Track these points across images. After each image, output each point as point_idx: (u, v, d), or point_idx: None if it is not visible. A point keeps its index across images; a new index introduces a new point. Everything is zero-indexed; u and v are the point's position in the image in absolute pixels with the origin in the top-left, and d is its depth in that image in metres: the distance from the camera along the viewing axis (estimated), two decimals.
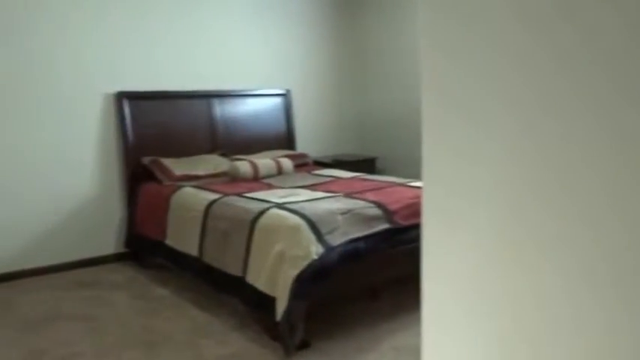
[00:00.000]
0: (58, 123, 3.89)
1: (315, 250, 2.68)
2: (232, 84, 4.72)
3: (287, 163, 4.32)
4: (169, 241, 3.61)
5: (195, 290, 3.49)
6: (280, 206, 3.01)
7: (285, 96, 5.06)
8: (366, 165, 5.18)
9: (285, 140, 5.06)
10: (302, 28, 5.17)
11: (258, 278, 2.83)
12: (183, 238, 3.48)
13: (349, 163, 5.01)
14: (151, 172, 4.04)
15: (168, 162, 4.06)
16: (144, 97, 4.22)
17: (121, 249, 4.19)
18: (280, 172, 4.24)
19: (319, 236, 2.76)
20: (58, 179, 3.91)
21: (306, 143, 5.22)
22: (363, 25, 5.48)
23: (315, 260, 2.65)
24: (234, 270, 3.00)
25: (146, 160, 4.10)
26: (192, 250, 3.35)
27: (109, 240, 4.17)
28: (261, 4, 4.86)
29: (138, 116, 4.17)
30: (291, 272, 2.64)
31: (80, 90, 3.96)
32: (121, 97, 4.11)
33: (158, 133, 4.26)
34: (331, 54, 5.42)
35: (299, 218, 2.82)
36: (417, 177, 4.30)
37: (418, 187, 3.49)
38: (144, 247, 4.01)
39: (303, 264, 2.63)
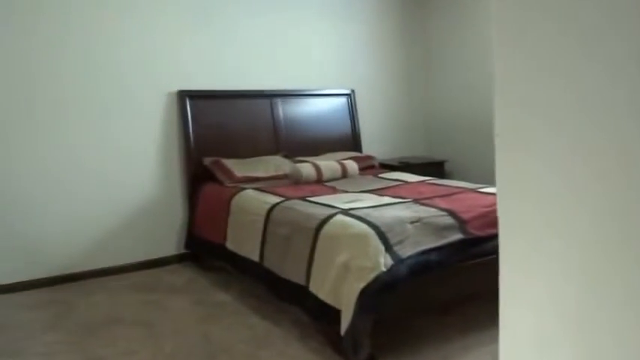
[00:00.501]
0: (121, 121, 3.88)
1: (384, 262, 2.49)
2: (295, 83, 4.59)
3: (352, 166, 4.14)
4: (229, 245, 3.52)
5: (256, 296, 3.37)
6: (346, 212, 2.84)
7: (350, 96, 4.88)
8: (434, 168, 4.94)
9: (350, 142, 4.89)
10: (368, 25, 4.99)
11: (321, 288, 2.67)
12: (243, 242, 3.37)
13: (416, 166, 4.80)
14: (211, 173, 3.97)
15: (229, 163, 3.97)
16: (205, 96, 4.15)
17: (182, 250, 4.14)
18: (345, 175, 4.07)
19: (388, 246, 2.56)
20: (120, 179, 3.90)
21: (372, 145, 5.04)
22: (433, 22, 5.24)
23: (384, 273, 2.46)
24: (297, 278, 2.86)
25: (207, 160, 4.03)
26: (253, 255, 3.24)
27: (170, 241, 4.13)
28: (325, 2, 4.71)
29: (199, 116, 4.11)
30: (357, 285, 2.46)
31: (143, 88, 3.93)
32: (183, 95, 4.06)
33: (219, 134, 4.18)
34: (398, 52, 5.21)
35: (366, 226, 2.64)
36: (489, 182, 4.06)
37: (492, 194, 3.24)
38: (204, 250, 3.94)
39: (370, 276, 2.45)
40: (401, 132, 5.32)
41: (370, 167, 4.54)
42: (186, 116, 4.05)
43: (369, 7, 4.97)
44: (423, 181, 3.87)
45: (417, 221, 2.78)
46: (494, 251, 2.95)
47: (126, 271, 3.93)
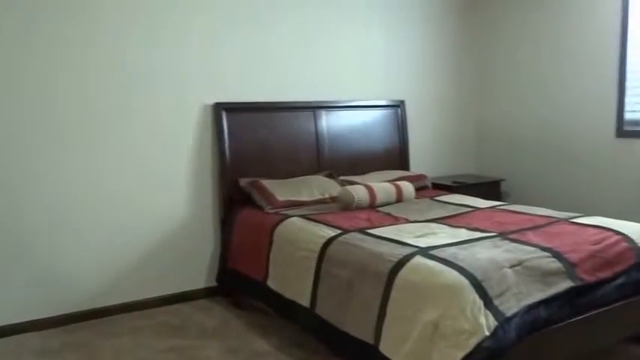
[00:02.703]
0: (148, 138, 3.35)
1: (485, 323, 1.93)
2: (339, 94, 4.05)
3: (408, 188, 3.58)
4: (272, 283, 2.96)
5: (305, 347, 2.82)
6: (426, 253, 2.27)
7: (399, 107, 4.33)
8: (489, 188, 4.39)
9: (397, 158, 4.33)
10: (419, 33, 4.44)
11: (398, 351, 2.11)
12: (290, 282, 2.81)
13: (470, 187, 4.23)
14: (248, 195, 3.43)
15: (269, 184, 3.43)
16: (243, 108, 3.60)
17: (213, 283, 3.60)
18: (400, 198, 3.50)
19: (487, 301, 2.00)
20: (145, 202, 3.37)
21: (420, 162, 4.47)
22: (488, 31, 4.67)
23: (487, 338, 1.89)
24: (361, 333, 2.30)
25: (244, 181, 3.49)
26: (302, 298, 2.68)
27: (199, 273, 3.59)
28: (372, 6, 4.17)
29: (236, 131, 3.57)
30: (453, 353, 1.89)
31: (174, 100, 3.41)
32: (220, 108, 3.52)
33: (257, 150, 3.65)
34: (451, 62, 4.65)
35: (457, 274, 2.07)
36: (553, 205, 3.48)
37: (596, 227, 2.65)
38: (239, 285, 3.38)
39: (470, 343, 1.88)
40: (450, 148, 4.76)
41: (423, 188, 3.97)
42: (222, 131, 3.51)
43: (419, 15, 4.41)
44: (494, 207, 3.29)
45: (517, 264, 2.21)
46: (608, 301, 2.30)
47: (152, 306, 3.41)
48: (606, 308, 2.30)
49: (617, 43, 3.69)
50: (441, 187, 4.20)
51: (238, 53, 3.60)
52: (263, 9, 3.68)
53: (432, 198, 3.67)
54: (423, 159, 4.54)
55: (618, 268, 2.39)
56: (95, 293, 3.26)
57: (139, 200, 3.34)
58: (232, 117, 3.55)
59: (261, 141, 3.65)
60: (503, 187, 4.53)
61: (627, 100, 3.69)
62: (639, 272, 2.44)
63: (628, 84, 3.67)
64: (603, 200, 3.83)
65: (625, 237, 2.53)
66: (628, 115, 3.71)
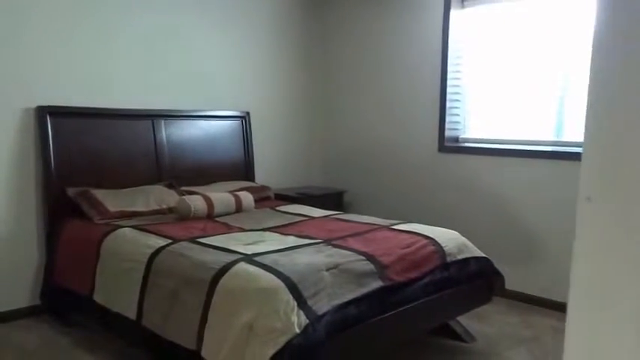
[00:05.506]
0: None
1: (297, 322, 2.04)
2: (182, 103, 4.02)
3: (247, 198, 3.64)
4: (98, 298, 2.85)
5: None
6: (249, 260, 2.34)
7: (244, 119, 4.40)
8: (332, 199, 4.59)
9: (242, 170, 4.39)
10: (264, 44, 4.55)
11: (217, 354, 2.15)
12: (116, 295, 2.73)
13: (315, 198, 4.40)
14: (77, 206, 3.27)
15: (100, 194, 3.30)
16: (72, 113, 3.42)
17: (37, 301, 3.37)
18: (239, 208, 3.56)
19: (301, 301, 2.11)
20: None
21: (266, 173, 4.58)
22: (335, 44, 4.92)
23: (298, 335, 2.00)
24: (185, 341, 2.31)
25: (72, 191, 3.32)
26: (129, 311, 2.62)
27: (21, 290, 3.33)
28: (220, 14, 4.22)
29: (63, 137, 3.37)
30: (265, 351, 1.98)
31: None
32: (44, 112, 3.32)
33: (89, 159, 3.48)
34: (297, 75, 4.82)
35: (275, 278, 2.17)
36: (391, 215, 3.78)
37: (408, 233, 2.91)
38: (65, 302, 3.20)
39: (281, 340, 1.98)
40: (296, 160, 4.92)
41: (265, 199, 4.07)
42: (47, 137, 3.31)
43: (264, 27, 4.53)
44: (328, 216, 3.46)
45: (333, 267, 2.36)
46: (415, 298, 2.57)
47: None
48: (413, 304, 2.53)
49: (438, 72, 4.09)
50: (286, 198, 4.32)
51: (70, 54, 3.43)
52: (102, 10, 3.56)
53: (272, 208, 3.76)
54: (269, 171, 4.64)
55: (425, 269, 2.65)
56: None
57: None
58: (59, 122, 3.35)
59: (93, 149, 3.50)
60: (347, 198, 4.78)
61: (447, 119, 4.09)
62: (443, 272, 2.71)
63: (448, 105, 4.08)
64: (426, 208, 4.19)
65: (432, 241, 2.81)
66: (447, 133, 4.11)
